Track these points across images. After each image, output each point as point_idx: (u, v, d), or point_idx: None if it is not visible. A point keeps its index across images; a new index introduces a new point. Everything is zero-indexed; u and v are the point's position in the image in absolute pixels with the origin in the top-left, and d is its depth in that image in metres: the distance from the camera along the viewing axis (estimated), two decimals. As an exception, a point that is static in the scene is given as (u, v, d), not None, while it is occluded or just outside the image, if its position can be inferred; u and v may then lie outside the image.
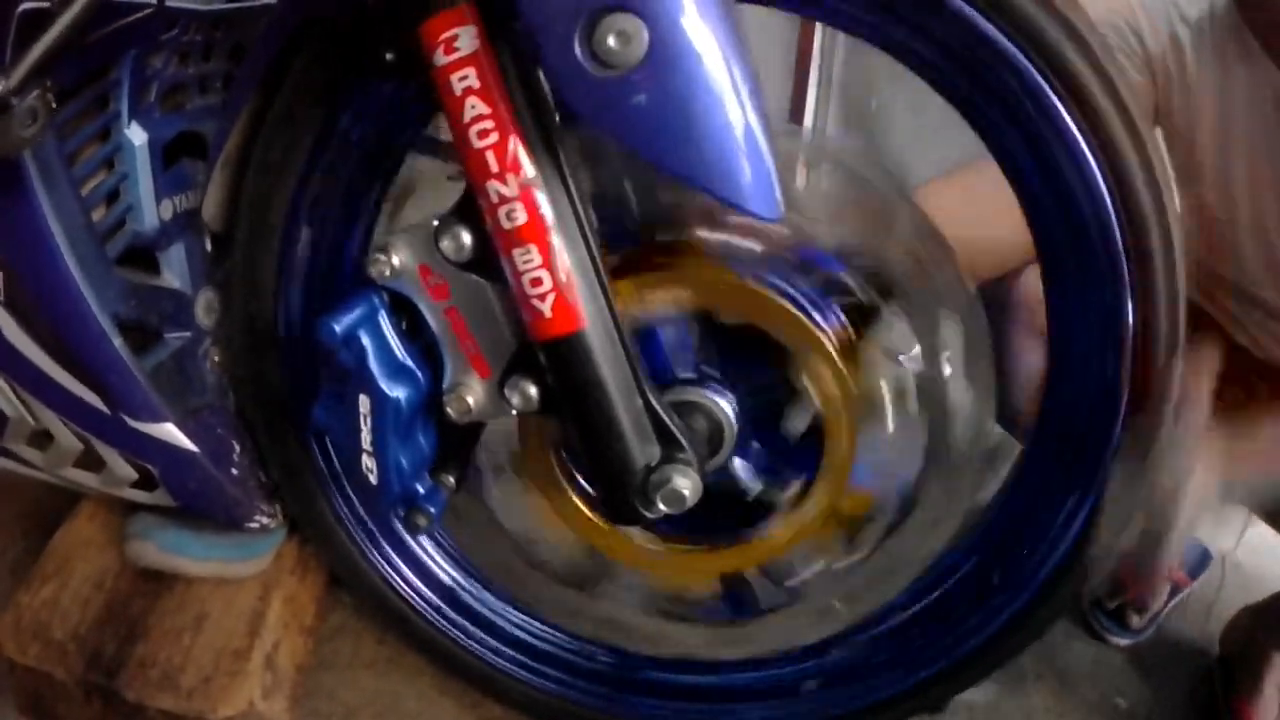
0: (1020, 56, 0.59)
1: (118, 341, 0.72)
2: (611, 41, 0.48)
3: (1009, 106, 0.61)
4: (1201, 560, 1.27)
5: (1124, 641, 1.17)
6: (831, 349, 0.67)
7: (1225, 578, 1.26)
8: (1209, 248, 1.03)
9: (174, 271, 0.78)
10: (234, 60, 0.80)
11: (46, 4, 0.62)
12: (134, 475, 0.80)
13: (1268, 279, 0.98)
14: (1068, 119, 0.60)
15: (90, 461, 0.81)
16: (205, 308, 0.79)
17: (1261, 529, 1.06)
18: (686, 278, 0.66)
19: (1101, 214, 0.61)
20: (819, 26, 1.27)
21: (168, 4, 0.68)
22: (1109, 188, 0.61)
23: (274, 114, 0.67)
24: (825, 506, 0.71)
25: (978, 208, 0.77)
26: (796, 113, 1.33)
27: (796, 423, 0.71)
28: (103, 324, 0.71)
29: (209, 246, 0.79)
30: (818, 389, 0.68)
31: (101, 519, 0.92)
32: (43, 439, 0.80)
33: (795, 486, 0.71)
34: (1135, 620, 1.17)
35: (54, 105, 0.65)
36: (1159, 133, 1.01)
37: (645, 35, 0.48)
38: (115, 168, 0.73)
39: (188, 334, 0.79)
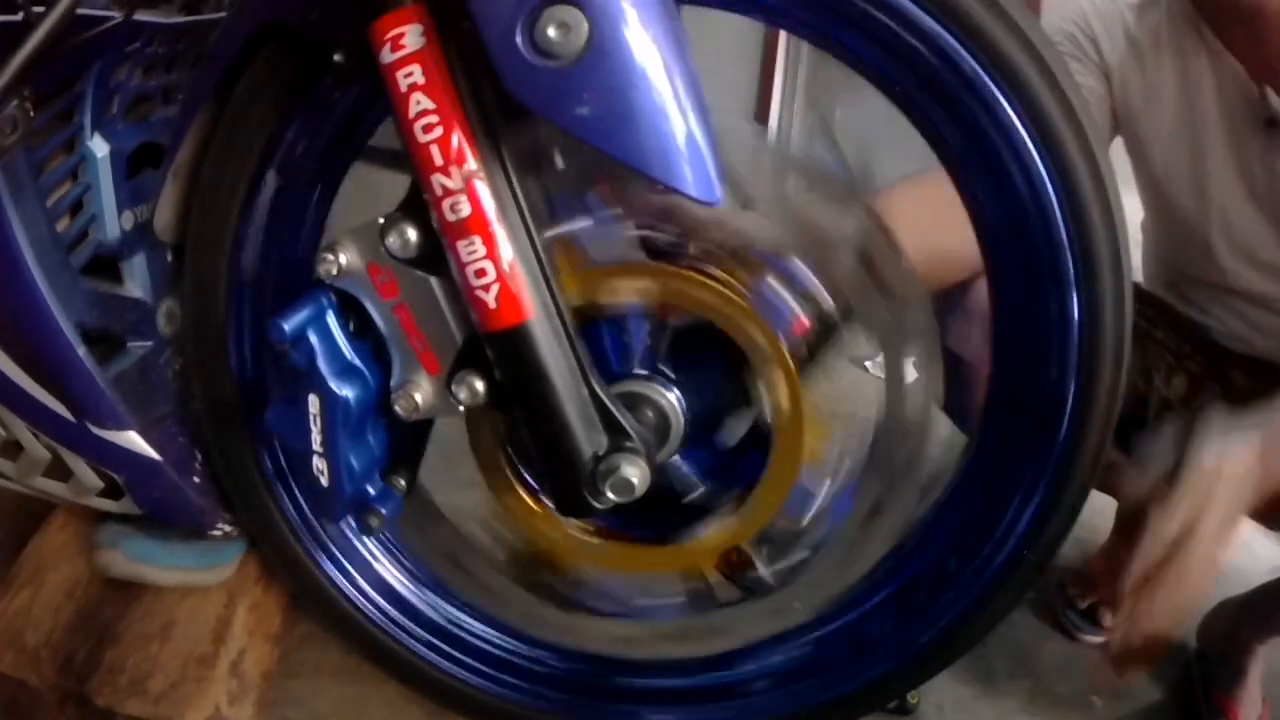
0: (965, 55, 0.60)
1: (82, 350, 0.74)
2: (552, 32, 0.50)
3: (954, 107, 0.62)
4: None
5: (1097, 639, 1.16)
6: (787, 357, 0.67)
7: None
8: (1181, 248, 1.04)
9: (136, 281, 0.79)
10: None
11: (16, 18, 0.64)
12: (100, 484, 0.81)
13: (1246, 268, 0.98)
14: (1014, 120, 0.61)
15: (59, 471, 0.82)
16: (167, 317, 0.80)
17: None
18: (646, 274, 0.67)
19: (1047, 215, 0.62)
20: (784, 35, 1.30)
21: (134, 17, 0.70)
22: (1055, 189, 0.62)
23: (224, 123, 0.68)
24: (759, 519, 0.71)
25: (929, 217, 0.78)
26: (762, 113, 1.34)
27: (734, 430, 0.71)
28: (67, 333, 0.73)
29: (170, 257, 0.80)
30: (771, 399, 0.68)
31: (72, 529, 0.93)
32: (12, 449, 0.82)
33: (733, 494, 0.72)
34: (1108, 618, 1.16)
35: (32, 114, 0.67)
36: (1120, 141, 1.02)
37: (585, 26, 0.50)
38: (79, 178, 0.75)
39: (150, 343, 0.80)
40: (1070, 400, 0.67)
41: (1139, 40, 0.95)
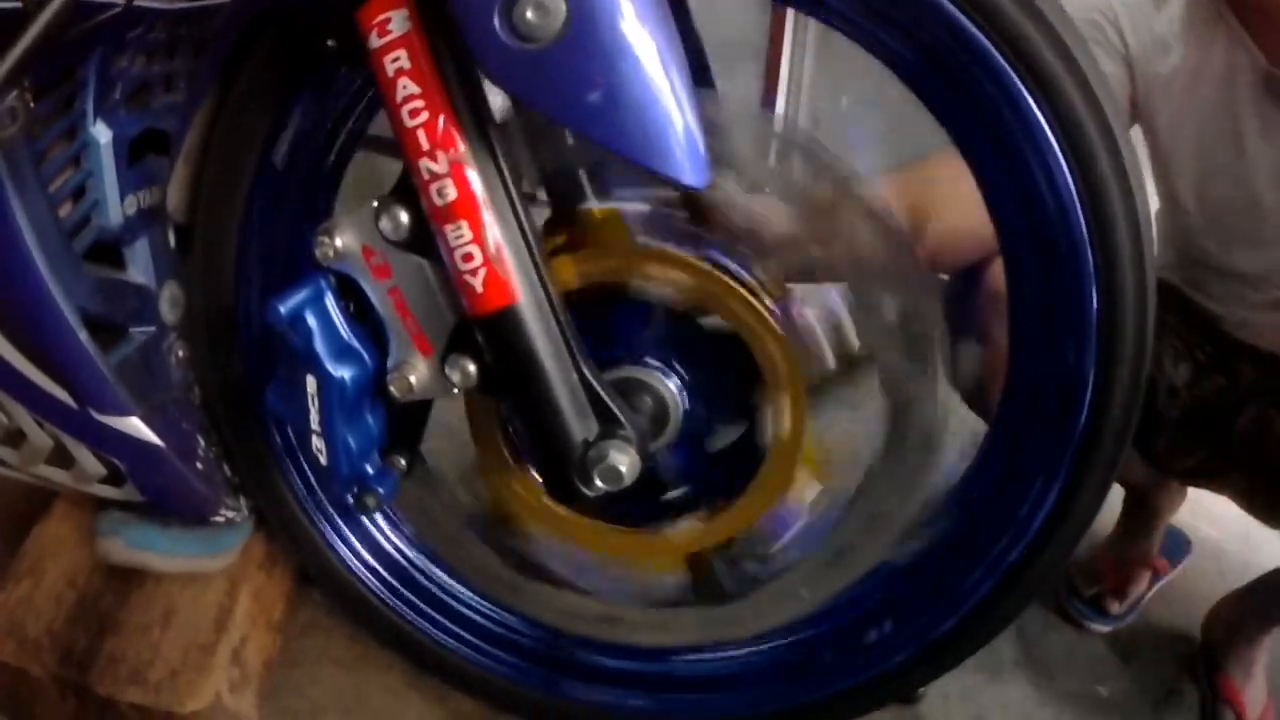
0: (983, 40, 0.59)
1: (84, 336, 0.74)
2: (530, 15, 0.50)
3: (971, 92, 0.61)
4: (1181, 546, 1.27)
5: (1103, 629, 1.16)
6: (801, 388, 0.67)
7: (1205, 563, 1.25)
8: (1199, 237, 1.03)
9: (139, 267, 0.80)
10: (198, 57, 0.82)
11: (17, 4, 0.64)
12: (102, 471, 0.81)
13: (1271, 255, 0.97)
14: (1032, 105, 0.60)
15: (61, 458, 0.82)
16: (169, 302, 0.81)
17: (1239, 515, 1.06)
18: (685, 269, 0.66)
19: (1064, 202, 0.61)
20: (789, 20, 1.29)
21: (135, 3, 0.71)
22: (1073, 175, 0.61)
23: (229, 108, 0.69)
24: (725, 532, 0.71)
25: (941, 198, 0.77)
26: (769, 98, 1.34)
27: (725, 436, 0.71)
28: (69, 319, 0.73)
29: (173, 241, 0.80)
30: (774, 423, 0.68)
31: (74, 519, 0.93)
32: (15, 437, 0.82)
33: (709, 500, 0.72)
34: (1114, 607, 1.16)
35: (32, 105, 0.67)
36: (1138, 129, 1.02)
37: (562, 8, 0.49)
38: (81, 165, 0.75)
39: (152, 328, 0.80)
40: (1089, 387, 0.66)
41: (1160, 30, 0.94)
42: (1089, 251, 0.62)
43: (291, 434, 0.80)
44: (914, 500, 0.73)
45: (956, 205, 0.71)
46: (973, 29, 0.58)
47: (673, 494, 0.76)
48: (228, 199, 0.73)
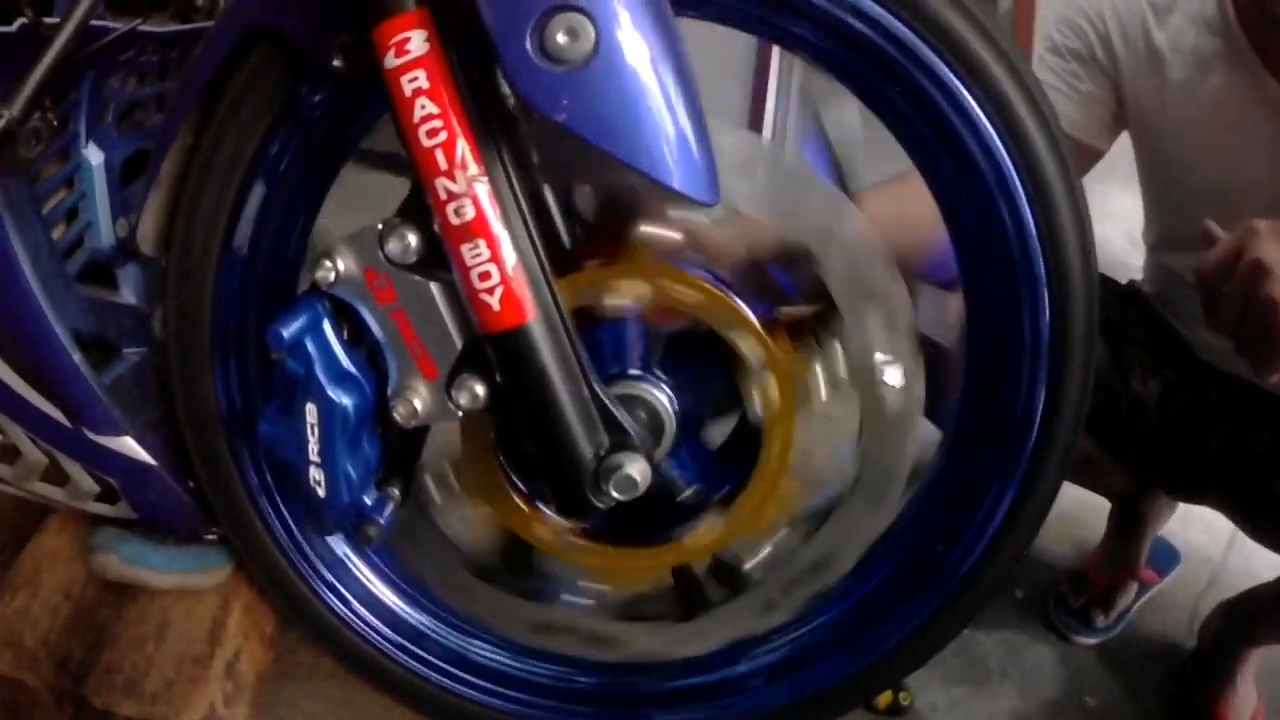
0: (941, 64, 0.60)
1: (77, 356, 0.74)
2: (561, 38, 0.51)
3: (934, 119, 0.63)
4: (1169, 558, 1.28)
5: (1090, 640, 1.17)
6: (778, 353, 0.68)
7: (1195, 570, 1.25)
8: (1182, 250, 1.03)
9: (131, 288, 0.80)
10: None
11: (11, 29, 0.64)
12: (96, 489, 0.82)
13: None
14: (992, 134, 0.61)
15: (56, 476, 0.82)
16: (161, 323, 0.81)
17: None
18: (633, 274, 0.68)
19: (1021, 224, 0.63)
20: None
21: (136, 28, 0.70)
22: (1030, 202, 0.63)
23: (210, 133, 0.68)
24: (755, 507, 0.71)
25: (909, 219, 0.78)
26: (755, 122, 1.34)
27: (720, 431, 0.72)
28: (63, 339, 0.73)
29: (163, 264, 0.80)
30: (762, 397, 0.69)
31: (70, 532, 0.94)
32: (10, 454, 0.82)
33: (724, 492, 0.73)
34: (1101, 619, 1.17)
35: (55, 123, 0.67)
36: (1129, 135, 1.01)
37: (592, 32, 0.51)
38: (74, 187, 0.75)
39: (145, 349, 0.80)
40: (1040, 403, 0.68)
41: (1159, 42, 0.92)
42: (1042, 269, 0.64)
43: (271, 472, 0.79)
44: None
45: (921, 225, 0.72)
46: (927, 49, 0.60)
47: (683, 497, 0.77)
48: (205, 225, 0.71)
